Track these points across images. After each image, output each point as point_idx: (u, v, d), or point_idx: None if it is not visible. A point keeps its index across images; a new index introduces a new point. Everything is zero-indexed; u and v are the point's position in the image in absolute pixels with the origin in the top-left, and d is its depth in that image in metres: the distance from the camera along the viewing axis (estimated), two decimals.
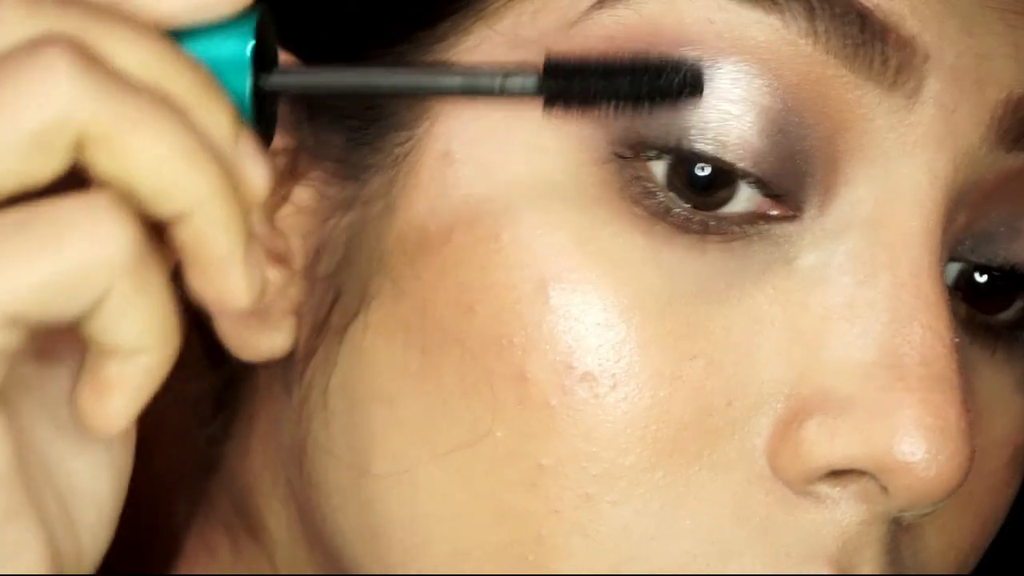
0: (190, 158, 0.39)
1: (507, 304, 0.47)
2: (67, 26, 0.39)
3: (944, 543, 0.51)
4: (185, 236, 0.40)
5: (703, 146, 0.47)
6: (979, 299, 0.51)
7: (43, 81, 0.38)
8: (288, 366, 0.52)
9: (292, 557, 0.55)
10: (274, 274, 0.51)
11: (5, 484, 0.40)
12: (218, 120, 0.41)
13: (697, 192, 0.47)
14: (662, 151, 0.47)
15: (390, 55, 0.50)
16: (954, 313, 0.48)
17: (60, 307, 0.39)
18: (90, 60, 0.39)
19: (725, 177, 0.47)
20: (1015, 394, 0.52)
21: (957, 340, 0.48)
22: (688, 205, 0.47)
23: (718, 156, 0.47)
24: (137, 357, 0.40)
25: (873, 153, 0.48)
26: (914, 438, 0.46)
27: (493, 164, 0.48)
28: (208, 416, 0.58)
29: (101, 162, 0.39)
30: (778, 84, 0.47)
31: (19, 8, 0.39)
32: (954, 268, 0.51)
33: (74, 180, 0.39)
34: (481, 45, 0.49)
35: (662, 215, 0.47)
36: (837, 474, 0.47)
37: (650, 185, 0.47)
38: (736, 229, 0.47)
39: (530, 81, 0.44)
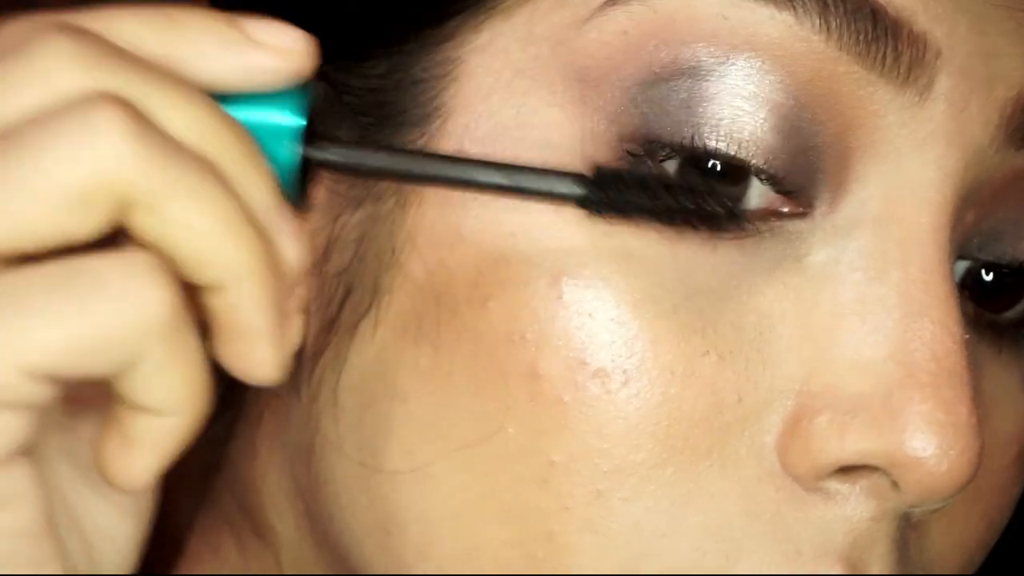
0: (233, 230, 0.39)
1: (520, 300, 0.47)
2: (120, 84, 0.39)
3: (950, 541, 0.51)
4: (218, 305, 0.40)
5: (715, 143, 0.47)
6: (986, 297, 0.51)
7: (95, 138, 0.38)
8: (296, 363, 0.52)
9: (298, 556, 0.54)
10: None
11: (36, 538, 0.40)
12: (260, 191, 0.41)
13: None
14: (674, 149, 0.47)
15: (396, 54, 0.49)
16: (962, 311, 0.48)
17: (94, 366, 0.39)
18: (142, 122, 0.39)
19: (737, 173, 0.47)
20: (1021, 392, 0.52)
21: (967, 336, 0.48)
22: None
23: (731, 152, 0.47)
24: (166, 418, 0.40)
25: (884, 150, 0.48)
26: (925, 434, 0.46)
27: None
28: (213, 415, 0.58)
29: (144, 225, 0.39)
30: (790, 80, 0.47)
31: (76, 61, 0.39)
32: (962, 266, 0.51)
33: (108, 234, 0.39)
34: (493, 42, 0.48)
35: None
36: (847, 470, 0.47)
37: None
38: (748, 226, 0.48)
39: (577, 189, 0.45)
